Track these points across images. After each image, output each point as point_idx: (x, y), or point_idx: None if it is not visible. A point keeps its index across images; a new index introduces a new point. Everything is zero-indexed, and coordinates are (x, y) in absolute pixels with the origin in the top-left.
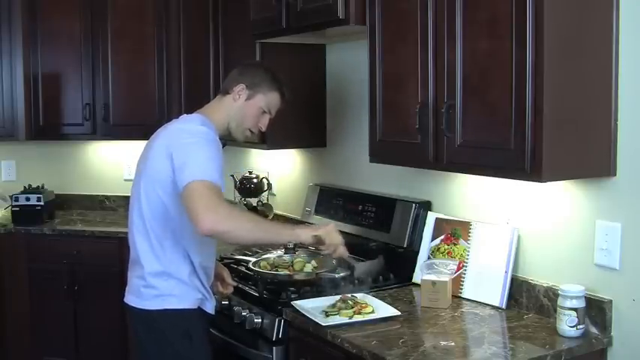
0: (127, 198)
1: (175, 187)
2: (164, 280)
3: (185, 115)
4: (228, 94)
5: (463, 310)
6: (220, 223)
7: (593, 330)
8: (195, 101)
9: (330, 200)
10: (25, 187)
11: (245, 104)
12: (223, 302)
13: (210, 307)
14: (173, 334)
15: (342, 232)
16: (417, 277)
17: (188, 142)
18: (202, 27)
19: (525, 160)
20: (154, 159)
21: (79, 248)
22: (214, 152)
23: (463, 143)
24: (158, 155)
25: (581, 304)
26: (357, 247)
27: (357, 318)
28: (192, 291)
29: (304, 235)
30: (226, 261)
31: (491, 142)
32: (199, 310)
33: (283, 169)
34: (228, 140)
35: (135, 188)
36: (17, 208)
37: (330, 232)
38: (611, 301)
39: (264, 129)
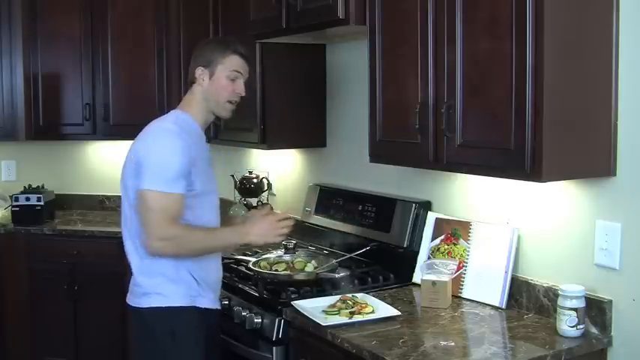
0: None
1: None
2: (149, 278)
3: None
4: (194, 84)
5: (463, 310)
6: (166, 249)
7: (593, 330)
8: None
9: (330, 200)
10: (25, 187)
11: (211, 82)
12: (223, 302)
13: (206, 303)
14: (159, 332)
15: (342, 232)
16: (417, 277)
17: (149, 143)
18: (202, 27)
19: (525, 160)
20: (130, 160)
21: (79, 248)
22: (172, 151)
23: (463, 143)
24: (131, 157)
25: (581, 304)
26: (357, 247)
27: (357, 318)
28: (179, 288)
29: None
30: (226, 261)
31: (491, 142)
32: (191, 308)
33: (283, 169)
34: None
35: (121, 189)
36: (17, 208)
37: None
38: (611, 301)
39: (243, 93)
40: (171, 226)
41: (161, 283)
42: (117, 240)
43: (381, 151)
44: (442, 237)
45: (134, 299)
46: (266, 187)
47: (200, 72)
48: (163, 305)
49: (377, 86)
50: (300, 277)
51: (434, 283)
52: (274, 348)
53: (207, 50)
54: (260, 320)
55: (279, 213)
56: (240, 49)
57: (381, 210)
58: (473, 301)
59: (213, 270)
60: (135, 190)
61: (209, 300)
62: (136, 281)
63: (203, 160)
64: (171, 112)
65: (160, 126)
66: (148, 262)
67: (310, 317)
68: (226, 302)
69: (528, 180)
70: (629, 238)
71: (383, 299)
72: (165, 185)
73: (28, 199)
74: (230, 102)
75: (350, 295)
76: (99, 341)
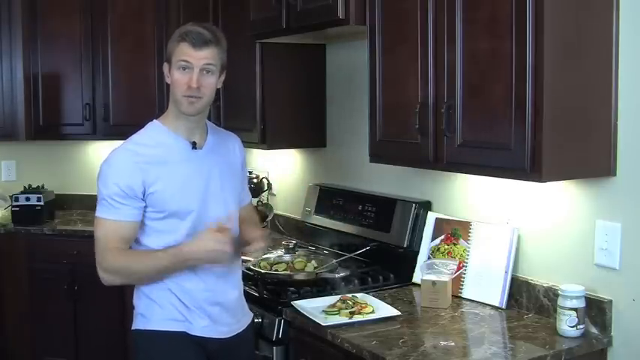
0: None
1: None
2: (138, 298)
3: None
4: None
5: (463, 310)
6: (114, 281)
7: (593, 330)
8: None
9: (330, 200)
10: (25, 187)
11: (172, 78)
12: None
13: (199, 331)
14: (141, 357)
15: (342, 232)
16: (417, 277)
17: (103, 161)
18: None
19: (525, 160)
20: None
21: (79, 248)
22: (108, 174)
23: (463, 143)
24: None
25: (581, 304)
26: (357, 247)
27: (357, 318)
28: (163, 311)
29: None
30: None
31: (491, 142)
32: (180, 334)
33: (283, 169)
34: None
35: None
36: (17, 208)
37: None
38: (611, 301)
39: (194, 84)
40: (111, 256)
41: (145, 305)
42: None
43: (381, 151)
44: (442, 237)
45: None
46: (266, 187)
47: (166, 70)
48: (144, 328)
49: (377, 86)
50: (300, 277)
51: (434, 283)
52: (274, 348)
53: (168, 44)
54: (260, 320)
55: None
56: (190, 35)
57: (381, 210)
58: (473, 301)
59: (205, 293)
60: None
61: (202, 327)
62: (133, 299)
63: (180, 176)
64: (149, 122)
65: (118, 147)
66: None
67: (310, 317)
68: None
69: (528, 180)
70: (629, 238)
71: (383, 299)
72: (102, 211)
73: (28, 199)
74: (187, 97)
75: (350, 295)
76: (99, 341)
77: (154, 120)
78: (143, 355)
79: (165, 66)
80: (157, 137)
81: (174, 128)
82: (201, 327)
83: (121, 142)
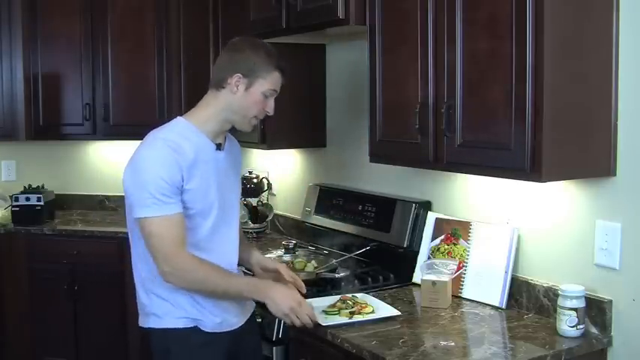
0: None
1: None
2: (148, 298)
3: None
4: (223, 88)
5: (463, 310)
6: (175, 280)
7: (593, 330)
8: (195, 101)
9: (330, 200)
10: (25, 187)
11: (245, 94)
12: None
13: (212, 326)
14: (157, 354)
15: (342, 232)
16: (417, 277)
17: (135, 159)
18: (202, 27)
19: (525, 160)
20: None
21: (79, 248)
22: (154, 167)
23: (463, 143)
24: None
25: (581, 304)
26: (357, 247)
27: (357, 318)
28: (175, 309)
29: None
30: None
31: (491, 142)
32: (193, 330)
33: (283, 169)
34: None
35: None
36: (17, 208)
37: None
38: (611, 301)
39: (271, 112)
40: (178, 255)
41: (157, 304)
42: (117, 240)
43: (381, 151)
44: (442, 237)
45: (140, 318)
46: (266, 187)
47: (237, 79)
48: (158, 327)
49: (377, 86)
50: (300, 277)
51: (434, 283)
52: (274, 348)
53: (251, 58)
54: (260, 320)
55: (300, 286)
56: (283, 65)
57: (381, 210)
58: (473, 301)
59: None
60: (130, 214)
61: (216, 323)
62: (138, 297)
63: (208, 175)
64: (178, 119)
65: (147, 143)
66: (147, 278)
67: None
68: None
69: (528, 180)
70: (629, 238)
71: (383, 299)
72: (150, 210)
73: (28, 199)
74: (256, 117)
75: (350, 295)
76: (99, 341)
77: (179, 117)
78: (159, 352)
79: (241, 79)
80: (187, 135)
81: (203, 128)
82: (214, 324)
83: (121, 141)
